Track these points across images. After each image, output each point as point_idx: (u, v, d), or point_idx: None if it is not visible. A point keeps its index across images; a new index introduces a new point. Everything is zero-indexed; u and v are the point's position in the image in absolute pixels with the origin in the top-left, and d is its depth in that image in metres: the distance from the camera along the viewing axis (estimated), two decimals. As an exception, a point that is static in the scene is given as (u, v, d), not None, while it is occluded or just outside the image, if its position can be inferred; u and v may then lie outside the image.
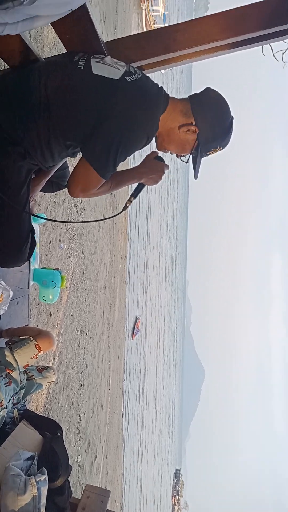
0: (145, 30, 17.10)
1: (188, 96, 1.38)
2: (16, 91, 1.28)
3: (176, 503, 46.01)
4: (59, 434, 1.77)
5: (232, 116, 1.36)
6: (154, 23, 19.43)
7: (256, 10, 1.60)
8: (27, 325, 2.15)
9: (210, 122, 1.32)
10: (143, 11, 17.00)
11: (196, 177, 1.40)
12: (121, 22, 9.33)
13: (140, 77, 1.31)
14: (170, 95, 1.37)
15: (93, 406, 6.31)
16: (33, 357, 1.77)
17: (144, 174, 1.42)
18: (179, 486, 46.80)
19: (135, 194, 1.46)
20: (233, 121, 1.37)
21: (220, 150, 1.39)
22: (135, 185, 1.49)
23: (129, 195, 1.45)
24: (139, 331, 16.48)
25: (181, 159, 1.41)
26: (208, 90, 1.37)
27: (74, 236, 5.18)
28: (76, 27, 1.30)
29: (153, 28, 18.67)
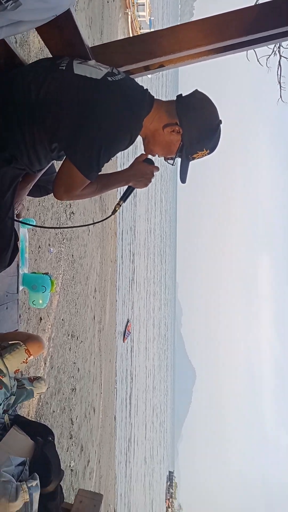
0: (131, 35, 17.18)
1: (176, 97, 1.37)
2: (0, 97, 1.28)
3: (170, 506, 45.86)
4: (50, 438, 1.77)
5: (220, 120, 1.34)
6: (140, 28, 19.51)
7: (239, 16, 1.63)
8: (17, 330, 2.14)
9: (194, 123, 1.30)
10: (129, 17, 17.07)
11: (183, 181, 1.38)
12: (107, 28, 9.37)
13: (123, 78, 1.31)
14: (155, 97, 1.37)
15: (85, 410, 6.28)
16: (23, 362, 1.76)
17: (132, 177, 1.40)
18: (172, 489, 46.67)
19: (124, 197, 1.44)
20: (221, 124, 1.35)
21: (207, 153, 1.36)
22: (125, 188, 1.47)
23: (117, 199, 1.44)
24: (130, 334, 16.45)
25: (168, 162, 1.40)
26: (195, 92, 1.36)
27: (63, 240, 5.17)
28: (61, 32, 1.31)
29: (139, 33, 18.73)
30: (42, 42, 1.38)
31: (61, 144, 1.26)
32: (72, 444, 5.39)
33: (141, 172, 1.40)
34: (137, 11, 18.83)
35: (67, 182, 1.27)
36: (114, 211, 1.43)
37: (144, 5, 19.82)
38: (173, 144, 1.32)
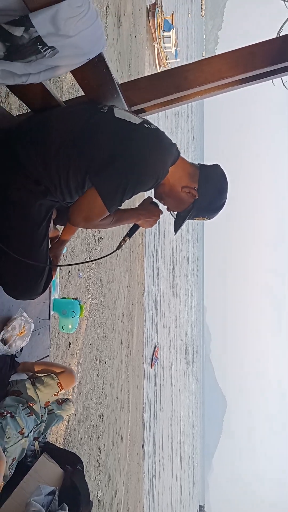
0: (158, 66, 17.82)
1: (198, 164, 1.49)
2: (39, 133, 1.36)
3: None
4: (79, 467, 1.75)
5: (226, 199, 1.51)
6: (166, 59, 20.19)
7: (262, 48, 1.68)
8: (47, 356, 2.16)
9: (210, 195, 1.44)
10: (156, 49, 17.74)
11: (175, 234, 1.54)
12: (135, 60, 9.77)
13: (157, 128, 1.42)
14: (181, 154, 1.46)
15: (112, 438, 6.17)
16: (55, 395, 1.78)
17: (142, 216, 1.50)
18: (203, 525, 44.28)
19: (130, 234, 1.53)
20: (225, 202, 1.50)
21: (205, 220, 1.53)
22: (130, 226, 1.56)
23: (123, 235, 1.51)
24: (157, 360, 16.20)
25: (171, 213, 1.52)
26: (217, 167, 1.50)
27: (92, 265, 5.25)
28: (93, 73, 1.38)
29: (165, 64, 19.40)
30: (74, 77, 1.47)
31: (91, 175, 1.32)
32: (99, 473, 5.28)
33: (150, 213, 1.51)
34: (163, 43, 19.54)
35: (88, 210, 1.33)
36: (119, 247, 1.49)
37: (170, 37, 20.54)
38: (184, 203, 1.45)
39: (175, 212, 1.50)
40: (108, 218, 1.39)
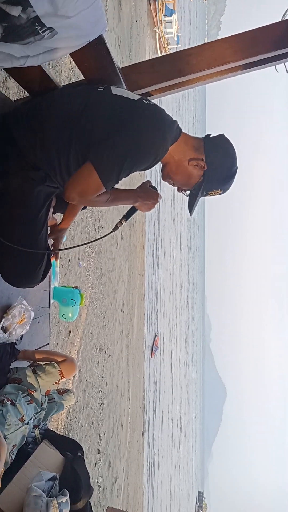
0: (159, 52, 17.51)
1: (203, 137, 1.43)
2: (37, 117, 1.33)
3: (200, 528, 44.31)
4: (80, 454, 1.77)
5: (237, 166, 1.43)
6: (168, 45, 19.83)
7: (267, 32, 1.64)
8: (48, 344, 2.17)
9: (218, 163, 1.38)
10: (157, 34, 17.42)
11: (191, 214, 1.46)
12: (135, 46, 9.61)
13: (155, 104, 1.38)
14: (182, 130, 1.41)
15: (113, 425, 6.24)
16: (55, 383, 1.79)
17: (140, 198, 1.46)
18: (202, 510, 45.16)
19: (127, 216, 1.49)
20: (237, 170, 1.43)
21: (220, 193, 1.45)
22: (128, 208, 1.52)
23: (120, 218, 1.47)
24: (158, 349, 16.30)
25: (182, 192, 1.45)
26: (222, 136, 1.43)
27: (92, 254, 5.24)
28: (93, 56, 1.35)
29: (167, 50, 19.07)
30: (74, 62, 1.44)
31: (90, 152, 1.28)
32: (100, 460, 5.35)
33: (149, 196, 1.46)
34: (165, 28, 19.14)
35: (83, 184, 1.28)
36: (115, 228, 1.45)
37: (171, 22, 20.12)
38: (194, 177, 1.39)
39: (187, 192, 1.44)
40: (105, 196, 1.34)
